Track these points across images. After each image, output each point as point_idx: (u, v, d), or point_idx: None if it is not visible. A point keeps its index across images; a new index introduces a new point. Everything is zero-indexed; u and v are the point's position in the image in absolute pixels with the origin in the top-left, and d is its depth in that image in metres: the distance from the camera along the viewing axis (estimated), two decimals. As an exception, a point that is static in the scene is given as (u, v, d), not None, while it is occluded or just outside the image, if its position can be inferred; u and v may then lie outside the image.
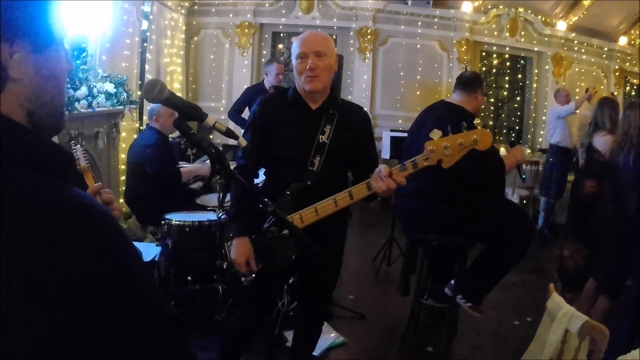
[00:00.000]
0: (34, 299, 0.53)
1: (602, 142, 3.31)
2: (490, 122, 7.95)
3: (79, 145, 2.18)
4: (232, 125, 5.51)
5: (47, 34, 0.63)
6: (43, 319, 0.53)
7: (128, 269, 0.61)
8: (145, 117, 5.34)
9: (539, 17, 7.42)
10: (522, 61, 7.92)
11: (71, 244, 0.55)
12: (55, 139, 0.73)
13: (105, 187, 1.76)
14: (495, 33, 7.41)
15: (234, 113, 4.76)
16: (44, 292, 0.53)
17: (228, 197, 2.05)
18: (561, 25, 7.46)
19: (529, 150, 7.62)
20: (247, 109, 4.60)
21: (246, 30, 7.17)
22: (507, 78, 7.89)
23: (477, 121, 2.72)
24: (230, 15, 7.23)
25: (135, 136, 4.74)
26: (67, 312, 0.54)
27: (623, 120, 3.01)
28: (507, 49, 7.62)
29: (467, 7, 7.16)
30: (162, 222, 3.17)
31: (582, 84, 7.60)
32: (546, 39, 7.51)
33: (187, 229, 3.13)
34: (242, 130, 4.69)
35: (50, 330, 0.53)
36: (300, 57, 1.97)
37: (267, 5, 7.17)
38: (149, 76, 5.56)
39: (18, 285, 0.53)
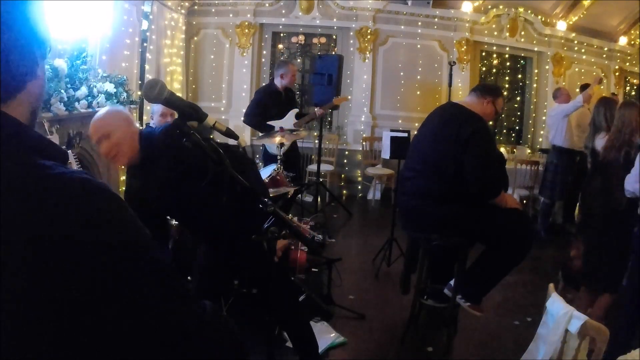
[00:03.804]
0: (33, 270, 0.56)
1: (603, 143, 3.32)
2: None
3: (70, 151, 2.16)
4: (238, 129, 5.45)
5: (48, 44, 0.70)
6: (40, 282, 0.56)
7: (127, 232, 0.64)
8: (145, 117, 5.34)
9: (539, 17, 7.42)
10: (522, 61, 7.92)
11: (65, 210, 0.59)
12: (54, 138, 0.76)
13: None
14: (495, 33, 7.41)
15: (252, 117, 4.75)
16: (43, 261, 0.56)
17: None
18: (561, 25, 7.46)
19: (528, 151, 7.62)
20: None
21: (246, 30, 7.18)
22: (507, 78, 7.88)
23: None
24: (230, 15, 7.24)
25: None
26: (63, 274, 0.57)
27: (618, 119, 3.08)
28: (507, 49, 7.61)
29: (467, 7, 7.16)
30: (162, 222, 3.17)
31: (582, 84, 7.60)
32: (546, 39, 7.51)
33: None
34: (260, 134, 4.68)
35: (50, 293, 0.56)
36: (96, 143, 1.99)
37: (267, 5, 7.17)
38: (149, 76, 5.55)
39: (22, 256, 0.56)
